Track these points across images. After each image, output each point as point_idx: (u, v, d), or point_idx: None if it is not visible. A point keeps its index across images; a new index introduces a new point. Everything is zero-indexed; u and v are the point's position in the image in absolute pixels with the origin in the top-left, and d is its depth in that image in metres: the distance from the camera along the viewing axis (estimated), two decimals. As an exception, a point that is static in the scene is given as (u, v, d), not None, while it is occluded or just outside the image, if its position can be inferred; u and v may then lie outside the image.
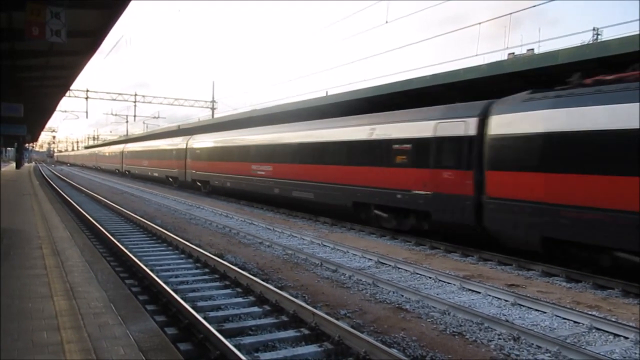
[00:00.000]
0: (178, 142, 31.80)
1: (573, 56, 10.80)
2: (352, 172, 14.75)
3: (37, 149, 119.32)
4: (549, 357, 5.51)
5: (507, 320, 6.65)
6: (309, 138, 17.20)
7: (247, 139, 22.58)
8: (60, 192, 24.50)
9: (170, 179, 33.03)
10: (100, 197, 22.07)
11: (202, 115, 50.81)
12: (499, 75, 12.43)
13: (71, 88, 30.57)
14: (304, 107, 20.35)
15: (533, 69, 11.74)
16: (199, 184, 28.04)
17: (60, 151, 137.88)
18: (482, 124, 10.82)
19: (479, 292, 8.10)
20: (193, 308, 6.25)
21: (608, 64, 10.54)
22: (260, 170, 20.18)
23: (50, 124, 63.54)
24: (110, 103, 67.87)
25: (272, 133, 20.36)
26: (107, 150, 61.48)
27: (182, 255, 10.41)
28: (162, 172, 34.57)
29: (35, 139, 75.78)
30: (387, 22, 17.07)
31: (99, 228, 12.73)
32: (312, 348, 5.44)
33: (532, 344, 5.84)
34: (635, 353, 5.74)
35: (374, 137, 13.93)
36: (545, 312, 7.09)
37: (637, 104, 8.03)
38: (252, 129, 22.90)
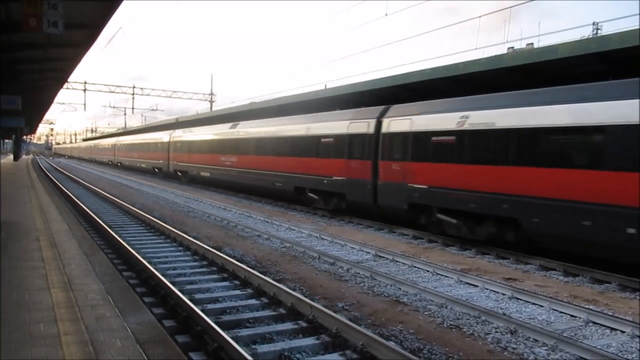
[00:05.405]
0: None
1: (573, 50, 10.73)
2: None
3: (35, 141, 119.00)
4: (546, 350, 5.52)
5: (504, 314, 6.67)
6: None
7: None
8: (59, 184, 24.46)
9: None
10: (99, 190, 22.04)
11: (200, 107, 50.93)
12: (499, 69, 12.40)
13: (69, 80, 30.57)
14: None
15: (533, 63, 11.69)
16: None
17: (58, 143, 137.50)
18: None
19: (477, 286, 8.12)
20: (191, 300, 6.25)
21: (608, 58, 10.50)
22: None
23: (48, 116, 63.32)
24: (108, 95, 68.11)
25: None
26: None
27: (180, 248, 10.41)
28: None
29: (33, 131, 75.50)
30: (386, 14, 16.97)
31: (96, 220, 12.72)
32: (309, 340, 5.45)
33: (529, 337, 5.86)
34: (632, 347, 5.76)
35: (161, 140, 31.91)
36: (542, 306, 7.11)
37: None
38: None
